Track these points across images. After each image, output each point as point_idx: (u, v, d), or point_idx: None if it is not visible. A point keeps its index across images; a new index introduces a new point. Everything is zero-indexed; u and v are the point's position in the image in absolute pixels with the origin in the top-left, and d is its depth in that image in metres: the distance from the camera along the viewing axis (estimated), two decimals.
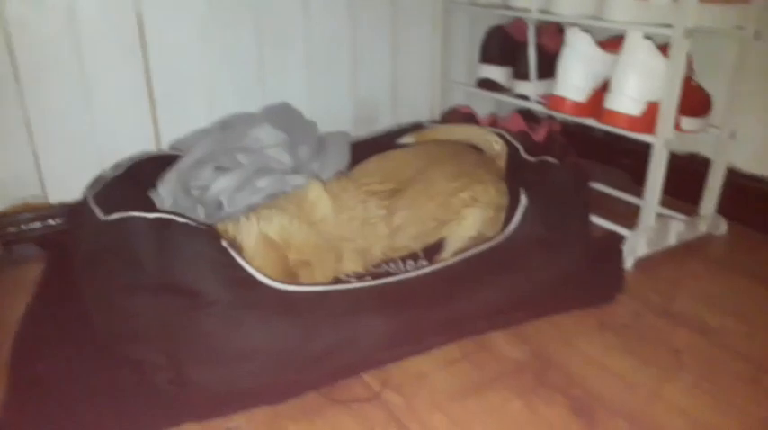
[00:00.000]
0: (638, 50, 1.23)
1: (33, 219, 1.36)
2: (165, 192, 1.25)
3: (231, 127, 1.38)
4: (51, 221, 1.37)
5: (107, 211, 0.98)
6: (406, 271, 1.08)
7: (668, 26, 1.19)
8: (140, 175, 1.25)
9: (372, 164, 1.26)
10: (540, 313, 1.10)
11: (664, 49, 1.23)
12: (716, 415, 0.89)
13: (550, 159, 1.27)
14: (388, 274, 1.05)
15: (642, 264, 1.28)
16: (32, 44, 1.26)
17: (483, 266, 1.06)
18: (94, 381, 0.92)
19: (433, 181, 1.21)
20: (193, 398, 0.88)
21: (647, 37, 1.23)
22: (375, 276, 1.07)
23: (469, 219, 1.19)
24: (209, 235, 0.92)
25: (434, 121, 1.70)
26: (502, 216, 1.17)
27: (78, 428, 0.85)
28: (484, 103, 1.85)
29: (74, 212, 1.19)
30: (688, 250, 1.36)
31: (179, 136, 1.43)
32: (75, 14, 1.28)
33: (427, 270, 1.03)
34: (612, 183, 1.62)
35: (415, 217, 1.17)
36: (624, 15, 1.28)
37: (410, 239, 1.18)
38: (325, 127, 1.56)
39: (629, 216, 1.34)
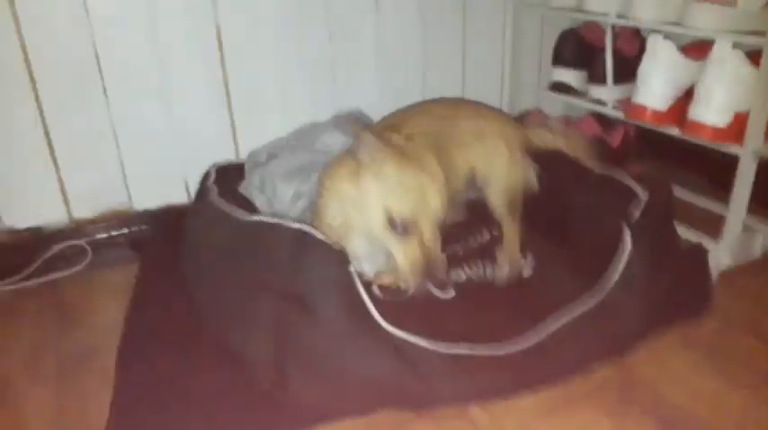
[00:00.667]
0: (726, 61, 1.19)
1: (120, 225, 1.42)
2: (244, 191, 1.32)
3: (305, 135, 1.41)
4: (136, 227, 1.43)
5: (232, 205, 1.08)
6: (485, 276, 1.12)
7: (759, 33, 1.15)
8: (232, 177, 1.33)
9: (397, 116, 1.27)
10: (637, 341, 1.07)
11: (752, 55, 1.19)
12: None
13: (618, 176, 1.24)
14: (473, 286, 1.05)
15: (723, 277, 1.25)
16: (118, 57, 1.32)
17: (592, 320, 1.00)
18: (195, 385, 0.97)
19: (433, 110, 1.26)
20: (290, 406, 0.91)
21: (735, 45, 1.20)
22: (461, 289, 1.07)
23: (487, 155, 1.21)
24: (340, 258, 0.94)
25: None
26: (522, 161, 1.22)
27: None
28: (554, 107, 1.82)
29: (196, 209, 1.26)
30: None
31: (257, 144, 1.46)
32: (158, 28, 1.33)
33: (526, 345, 0.96)
34: (690, 187, 1.59)
35: (427, 135, 1.15)
36: (709, 22, 1.25)
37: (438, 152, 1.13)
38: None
39: (708, 222, 1.31)
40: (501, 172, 1.22)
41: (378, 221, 0.95)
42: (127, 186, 1.41)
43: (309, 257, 0.92)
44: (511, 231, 1.18)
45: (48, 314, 1.22)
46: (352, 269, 0.94)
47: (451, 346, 0.92)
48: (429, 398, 0.92)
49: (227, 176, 1.32)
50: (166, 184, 1.44)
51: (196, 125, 1.43)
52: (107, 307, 1.24)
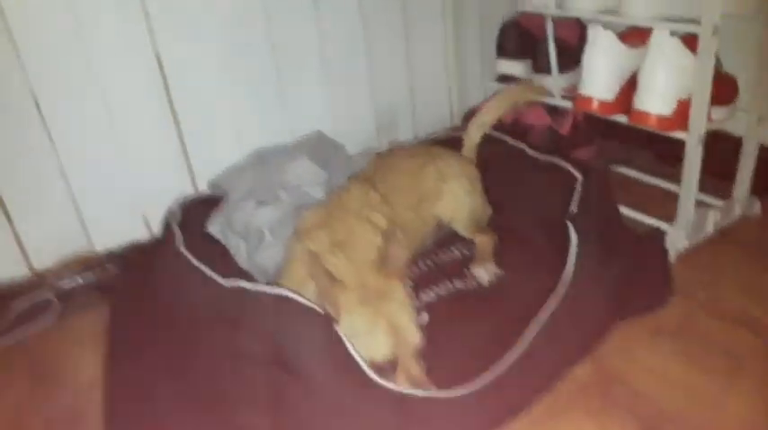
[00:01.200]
0: (664, 49, 1.22)
1: (84, 270, 1.38)
2: (215, 231, 1.29)
3: (268, 162, 1.39)
4: (101, 269, 1.40)
5: (202, 259, 1.07)
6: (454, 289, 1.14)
7: (694, 22, 1.19)
8: (195, 217, 1.30)
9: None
10: (601, 332, 1.11)
11: (688, 40, 1.22)
12: None
13: (557, 162, 1.30)
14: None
15: (681, 258, 1.31)
16: (58, 100, 1.27)
17: (554, 327, 1.03)
18: None
19: (398, 164, 1.32)
20: None
21: (672, 33, 1.23)
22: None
23: (450, 196, 1.27)
24: (325, 321, 0.92)
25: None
26: (479, 186, 1.31)
27: None
28: None
29: (161, 258, 1.22)
30: (724, 237, 1.38)
31: (212, 170, 1.45)
32: (95, 65, 1.29)
33: (513, 355, 0.99)
34: (641, 166, 1.64)
35: (398, 192, 1.23)
36: (646, 10, 1.28)
37: (409, 212, 1.22)
38: (347, 138, 1.58)
39: (659, 200, 1.36)
40: (467, 207, 1.29)
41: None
42: (86, 229, 1.37)
43: (293, 324, 0.91)
44: (483, 241, 1.23)
45: (21, 373, 1.19)
46: (337, 328, 0.91)
47: (449, 392, 0.93)
48: None
49: (193, 213, 1.31)
50: (126, 222, 1.41)
51: (148, 159, 1.40)
52: (84, 358, 1.21)
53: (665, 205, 1.34)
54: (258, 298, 0.95)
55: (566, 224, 1.12)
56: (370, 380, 0.90)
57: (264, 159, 1.42)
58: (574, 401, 1.00)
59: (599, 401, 0.99)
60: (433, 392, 0.91)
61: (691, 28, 1.20)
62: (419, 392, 0.91)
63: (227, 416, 0.96)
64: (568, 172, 1.29)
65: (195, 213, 1.32)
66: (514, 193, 1.36)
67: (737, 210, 1.43)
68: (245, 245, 1.27)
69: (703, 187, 1.36)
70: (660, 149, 1.69)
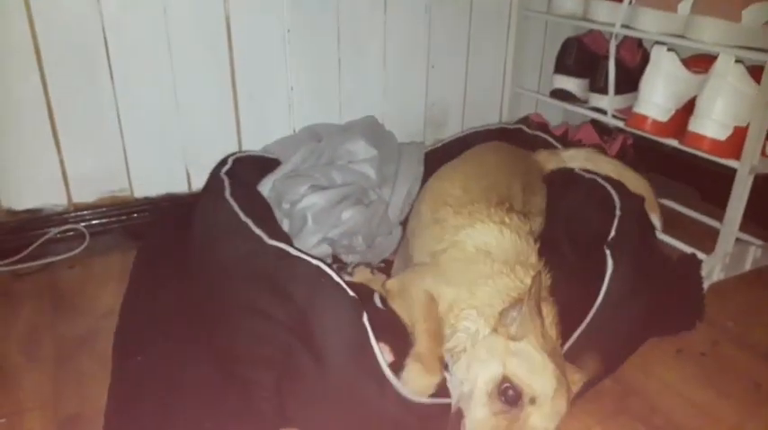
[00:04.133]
0: (728, 75, 1.21)
1: (120, 212, 1.41)
2: (265, 193, 1.30)
3: (324, 137, 1.41)
4: (135, 214, 1.42)
5: (249, 215, 1.06)
6: None
7: (761, 50, 1.18)
8: (244, 174, 1.28)
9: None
10: (631, 352, 1.09)
11: (753, 71, 1.21)
12: None
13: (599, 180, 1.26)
14: None
15: (714, 288, 1.28)
16: (126, 43, 1.31)
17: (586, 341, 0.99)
18: (193, 380, 0.97)
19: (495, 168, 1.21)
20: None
21: (737, 60, 1.22)
22: None
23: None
24: (355, 304, 0.90)
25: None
26: None
27: (177, 426, 0.90)
28: (554, 113, 1.84)
29: (209, 206, 1.19)
30: (761, 276, 1.35)
31: (259, 138, 1.47)
32: (168, 17, 1.32)
33: None
34: (681, 199, 1.61)
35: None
36: (713, 36, 1.27)
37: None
38: (396, 127, 1.59)
39: (699, 236, 1.33)
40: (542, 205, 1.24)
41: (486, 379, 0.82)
42: (128, 173, 1.40)
43: (322, 302, 0.90)
44: None
45: (44, 297, 1.22)
46: (365, 320, 0.89)
47: None
48: None
49: (245, 169, 1.31)
50: (168, 173, 1.44)
51: (200, 115, 1.43)
52: (104, 291, 1.24)
53: (705, 241, 1.31)
54: (296, 263, 0.94)
55: (603, 250, 1.07)
56: (382, 373, 0.87)
57: (318, 135, 1.43)
58: (586, 404, 0.97)
59: (612, 408, 0.97)
60: (442, 400, 0.88)
61: (757, 56, 1.18)
62: (426, 400, 0.88)
63: (234, 366, 0.97)
64: (609, 193, 1.25)
65: (245, 170, 1.31)
66: (556, 206, 1.31)
67: None
68: (288, 223, 1.27)
69: (746, 229, 1.34)
70: (705, 187, 1.67)
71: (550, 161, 1.37)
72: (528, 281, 0.91)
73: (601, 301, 1.01)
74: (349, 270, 1.16)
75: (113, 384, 0.96)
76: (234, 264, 1.03)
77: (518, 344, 0.82)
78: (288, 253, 0.97)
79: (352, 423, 0.90)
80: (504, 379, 0.79)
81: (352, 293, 0.90)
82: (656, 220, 1.29)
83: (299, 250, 0.98)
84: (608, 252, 1.06)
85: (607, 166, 1.34)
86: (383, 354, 0.88)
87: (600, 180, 1.28)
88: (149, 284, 1.20)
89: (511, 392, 0.79)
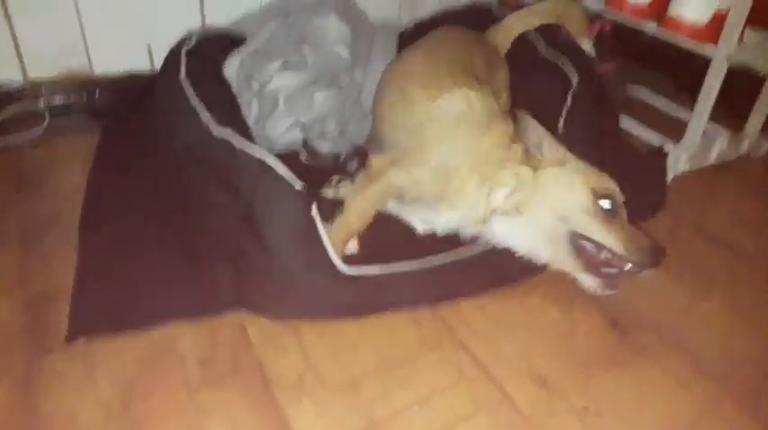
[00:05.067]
0: None
1: (79, 90, 1.35)
2: (230, 74, 1.24)
3: (293, 12, 1.33)
4: (97, 94, 1.37)
5: (202, 98, 1.03)
6: None
7: None
8: (209, 52, 1.23)
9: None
10: None
11: None
12: (744, 336, 0.94)
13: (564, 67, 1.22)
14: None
15: (679, 179, 1.29)
16: None
17: None
18: (160, 257, 0.98)
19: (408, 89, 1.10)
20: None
21: None
22: None
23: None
24: (302, 198, 0.90)
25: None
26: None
27: (145, 305, 0.91)
28: None
29: (164, 87, 1.17)
30: (725, 170, 1.37)
31: (224, 12, 1.40)
32: None
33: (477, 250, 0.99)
34: (656, 88, 1.60)
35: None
36: None
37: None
38: (369, 5, 1.51)
39: (669, 124, 1.34)
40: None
41: (583, 205, 0.89)
42: (87, 48, 1.33)
43: (269, 194, 0.90)
44: None
45: (7, 178, 1.19)
46: (314, 209, 0.90)
47: (401, 267, 0.94)
48: (377, 310, 0.94)
49: (209, 47, 1.25)
50: (128, 50, 1.37)
51: None
52: (67, 172, 1.21)
53: (676, 131, 1.31)
54: (239, 157, 0.93)
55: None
56: (328, 258, 0.89)
57: (288, 10, 1.36)
58: (541, 286, 1.00)
59: (565, 289, 0.99)
60: (386, 268, 0.92)
61: None
62: (371, 272, 0.91)
63: (198, 253, 0.98)
64: (566, 76, 1.21)
65: (209, 48, 1.25)
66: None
67: (744, 147, 1.40)
68: (258, 105, 1.23)
69: (716, 120, 1.34)
70: (680, 76, 1.65)
71: (498, 34, 1.31)
72: (511, 128, 0.96)
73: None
74: (334, 184, 1.12)
75: (80, 258, 0.97)
76: (184, 151, 1.02)
77: (568, 164, 0.91)
78: (232, 146, 0.95)
79: (307, 307, 0.92)
80: (597, 194, 0.88)
81: (298, 186, 0.90)
82: (585, 45, 1.30)
83: (245, 140, 0.96)
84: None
85: (545, 15, 1.31)
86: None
87: (559, 64, 1.24)
88: (114, 163, 1.19)
89: (609, 202, 0.88)
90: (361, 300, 0.92)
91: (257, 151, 0.93)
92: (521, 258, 0.94)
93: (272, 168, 0.91)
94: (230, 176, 0.93)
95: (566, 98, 1.15)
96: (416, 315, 0.93)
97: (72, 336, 0.85)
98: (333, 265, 0.90)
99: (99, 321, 0.87)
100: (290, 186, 0.90)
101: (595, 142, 1.12)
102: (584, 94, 1.15)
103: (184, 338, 0.87)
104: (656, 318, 0.96)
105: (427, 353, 0.88)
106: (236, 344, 0.87)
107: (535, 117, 0.95)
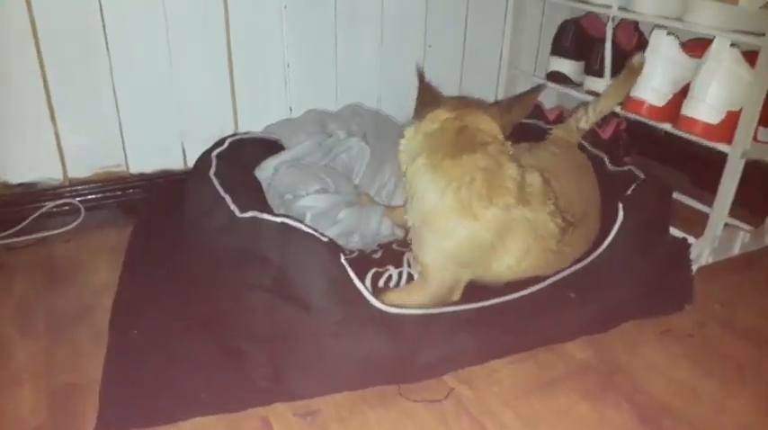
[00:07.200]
0: (723, 58, 1.21)
1: (115, 188, 1.41)
2: (262, 176, 1.30)
3: (329, 131, 1.43)
4: (131, 190, 1.43)
5: (228, 191, 1.08)
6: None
7: (759, 34, 1.18)
8: (239, 155, 1.30)
9: None
10: (614, 325, 1.12)
11: (749, 57, 1.21)
12: None
13: (635, 171, 1.26)
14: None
15: (703, 272, 1.29)
16: (122, 15, 1.30)
17: (573, 286, 1.07)
18: (189, 353, 0.99)
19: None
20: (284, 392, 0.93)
21: (733, 44, 1.22)
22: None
23: None
24: (330, 249, 0.94)
25: None
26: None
27: (174, 399, 0.91)
28: (549, 96, 1.84)
29: (193, 185, 1.22)
30: (750, 261, 1.36)
31: (254, 117, 1.48)
32: None
33: (523, 293, 1.04)
34: (672, 185, 1.61)
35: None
36: (710, 20, 1.27)
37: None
38: (392, 107, 1.59)
39: (689, 221, 1.34)
40: None
41: None
42: (124, 148, 1.40)
43: (297, 252, 0.92)
44: None
45: (38, 271, 1.23)
46: (343, 260, 0.93)
47: (451, 308, 0.98)
48: (416, 370, 0.95)
49: (241, 150, 1.32)
50: (163, 150, 1.44)
51: (196, 92, 1.42)
52: (98, 266, 1.25)
53: (695, 226, 1.32)
54: (263, 226, 0.97)
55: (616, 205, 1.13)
56: (367, 301, 0.92)
57: (324, 124, 1.45)
58: (572, 380, 0.99)
59: (597, 386, 0.98)
60: (428, 310, 0.95)
61: (753, 40, 1.18)
62: (413, 312, 0.93)
63: (229, 342, 0.99)
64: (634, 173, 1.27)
65: (242, 152, 1.32)
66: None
67: (767, 240, 1.40)
68: (284, 212, 1.26)
69: (736, 215, 1.35)
70: (696, 172, 1.67)
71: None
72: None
73: (604, 247, 1.10)
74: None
75: (109, 355, 0.98)
76: (212, 240, 1.05)
77: None
78: (255, 219, 0.99)
79: (347, 373, 0.93)
80: None
81: (325, 238, 0.94)
82: None
83: (266, 213, 1.00)
84: (620, 204, 1.12)
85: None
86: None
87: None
88: (145, 260, 1.22)
89: None
90: (401, 352, 0.93)
91: (279, 218, 0.97)
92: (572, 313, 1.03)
93: (297, 228, 0.95)
94: (258, 248, 0.96)
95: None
96: (443, 410, 0.92)
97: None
98: (370, 306, 0.92)
99: (128, 416, 0.87)
100: (317, 240, 0.93)
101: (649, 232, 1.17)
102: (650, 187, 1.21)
103: None
104: (689, 413, 0.93)
105: None
106: None
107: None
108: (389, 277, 1.13)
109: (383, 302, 0.95)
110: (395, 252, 1.20)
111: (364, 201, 1.31)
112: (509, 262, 1.02)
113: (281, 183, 1.27)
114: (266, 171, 1.29)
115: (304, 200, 1.23)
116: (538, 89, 1.20)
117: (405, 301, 0.99)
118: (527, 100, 1.14)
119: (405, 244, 1.18)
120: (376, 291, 1.08)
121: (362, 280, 0.98)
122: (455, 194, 0.97)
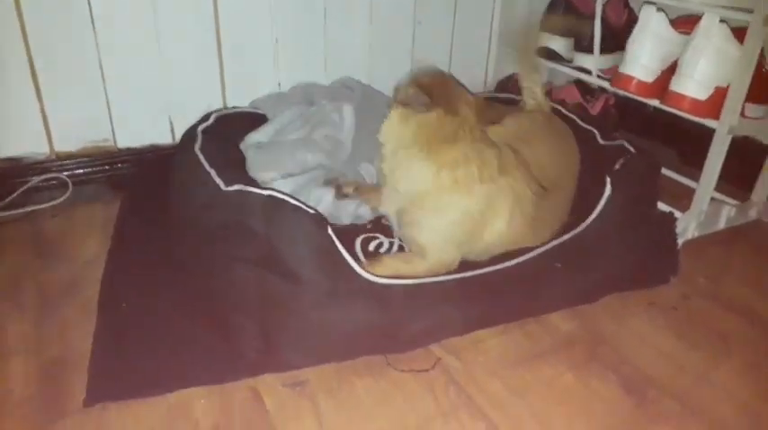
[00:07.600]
0: (712, 34, 1.22)
1: (102, 162, 1.40)
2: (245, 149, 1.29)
3: (314, 102, 1.41)
4: (119, 165, 1.42)
5: (213, 166, 1.07)
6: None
7: (748, 11, 1.18)
8: (224, 129, 1.29)
9: None
10: (600, 296, 1.13)
11: (738, 33, 1.22)
12: (763, 401, 0.93)
13: (626, 145, 1.27)
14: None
15: (689, 245, 1.31)
16: None
17: (560, 258, 1.09)
18: (178, 325, 0.99)
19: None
20: (275, 363, 0.94)
21: (722, 20, 1.22)
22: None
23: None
24: (316, 220, 0.94)
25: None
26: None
27: (163, 370, 0.92)
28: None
29: (179, 160, 1.21)
30: (735, 235, 1.38)
31: (243, 92, 1.47)
32: None
33: (510, 263, 1.06)
34: (661, 160, 1.63)
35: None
36: None
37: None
38: (382, 83, 1.57)
39: (676, 195, 1.36)
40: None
41: None
42: (111, 123, 1.39)
43: (284, 224, 0.92)
44: None
45: (26, 245, 1.22)
46: (330, 231, 0.94)
47: (439, 278, 1.00)
48: (403, 340, 0.97)
49: (227, 125, 1.31)
50: (151, 125, 1.43)
51: (184, 66, 1.41)
52: (87, 241, 1.24)
53: (681, 200, 1.34)
54: (249, 199, 0.97)
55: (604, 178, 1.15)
56: (355, 272, 0.93)
57: (311, 97, 1.43)
58: (558, 351, 1.00)
59: (583, 357, 1.00)
60: (415, 280, 0.96)
61: (742, 17, 1.19)
62: (401, 282, 0.95)
63: (219, 314, 0.99)
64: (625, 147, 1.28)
65: (228, 127, 1.32)
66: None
67: (753, 214, 1.42)
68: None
69: (722, 190, 1.37)
70: (683, 148, 1.69)
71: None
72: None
73: (592, 219, 1.12)
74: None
75: (99, 329, 0.98)
76: (199, 215, 1.05)
77: None
78: (241, 192, 0.99)
79: (336, 343, 0.94)
80: None
81: (311, 211, 0.94)
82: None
83: (253, 185, 1.00)
84: (608, 178, 1.14)
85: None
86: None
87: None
88: (134, 234, 1.21)
89: None
90: (390, 322, 0.94)
91: (265, 191, 0.97)
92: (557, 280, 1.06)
93: (284, 201, 0.95)
94: (244, 221, 0.96)
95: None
96: (431, 379, 0.93)
97: (90, 401, 0.85)
98: (358, 277, 0.93)
99: (117, 387, 0.88)
100: (304, 212, 0.94)
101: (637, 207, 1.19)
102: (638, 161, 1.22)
103: (200, 404, 0.87)
104: (674, 384, 0.95)
105: (444, 422, 0.87)
106: (251, 411, 0.87)
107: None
108: (380, 244, 1.15)
109: (377, 266, 0.99)
110: (385, 225, 1.21)
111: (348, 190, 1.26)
112: (500, 227, 1.06)
113: (251, 165, 1.26)
114: (250, 146, 1.29)
115: (275, 183, 1.23)
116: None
117: (399, 269, 1.01)
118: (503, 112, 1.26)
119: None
120: (367, 256, 1.10)
121: (352, 247, 0.98)
122: (450, 174, 1.03)
